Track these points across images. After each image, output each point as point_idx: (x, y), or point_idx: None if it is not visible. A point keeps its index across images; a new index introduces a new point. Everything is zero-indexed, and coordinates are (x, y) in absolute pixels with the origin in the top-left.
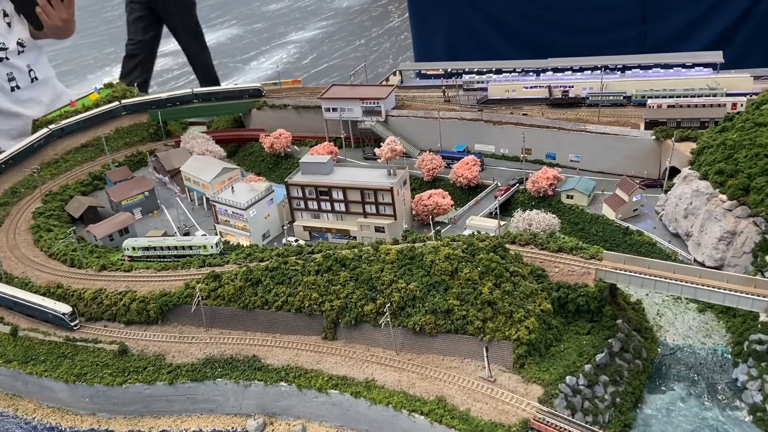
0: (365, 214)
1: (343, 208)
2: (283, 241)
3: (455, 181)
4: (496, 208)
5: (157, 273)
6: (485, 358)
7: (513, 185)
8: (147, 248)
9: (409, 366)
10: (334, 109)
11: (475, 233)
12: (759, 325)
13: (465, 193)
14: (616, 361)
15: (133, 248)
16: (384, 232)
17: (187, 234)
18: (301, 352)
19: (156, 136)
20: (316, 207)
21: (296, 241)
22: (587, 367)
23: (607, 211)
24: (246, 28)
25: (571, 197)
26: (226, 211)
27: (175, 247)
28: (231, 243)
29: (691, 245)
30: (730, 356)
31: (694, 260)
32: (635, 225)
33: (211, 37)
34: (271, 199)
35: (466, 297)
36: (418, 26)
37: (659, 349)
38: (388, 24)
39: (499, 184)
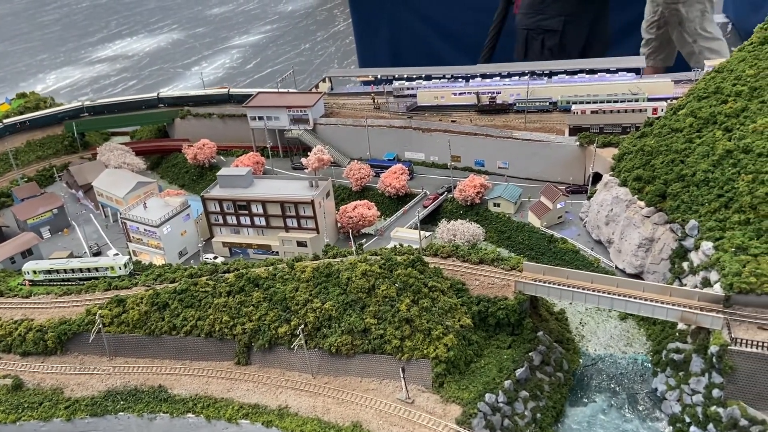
0: (287, 228)
1: (263, 223)
2: (201, 258)
3: (383, 190)
4: (417, 221)
5: (57, 298)
6: (402, 379)
7: (441, 194)
8: (49, 271)
9: (325, 390)
10: (260, 118)
11: (397, 246)
12: (677, 333)
13: (394, 202)
14: (537, 375)
15: (34, 272)
16: (306, 246)
17: (98, 254)
18: (211, 379)
19: (72, 148)
20: (235, 222)
21: (215, 258)
22: (507, 383)
23: (533, 219)
24: (188, 33)
25: (498, 205)
26: (138, 228)
27: (80, 270)
28: (143, 263)
29: (612, 252)
30: (650, 365)
31: (616, 267)
32: (560, 232)
33: (151, 42)
34: (188, 214)
35: (384, 315)
36: (361, 31)
37: (581, 360)
38: (334, 28)
39: (428, 193)
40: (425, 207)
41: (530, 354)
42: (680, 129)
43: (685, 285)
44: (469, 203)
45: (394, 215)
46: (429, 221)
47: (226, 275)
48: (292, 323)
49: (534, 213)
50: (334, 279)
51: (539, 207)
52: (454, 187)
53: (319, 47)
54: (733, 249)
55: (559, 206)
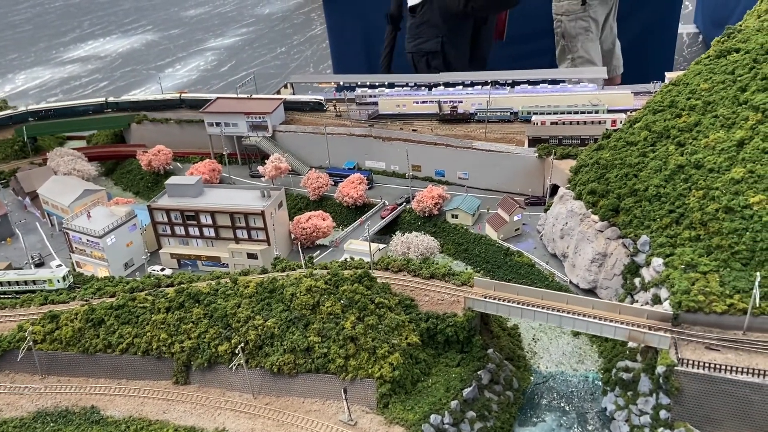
0: (237, 240)
1: (212, 234)
2: (147, 270)
3: (341, 200)
4: (367, 234)
5: None
6: (344, 401)
7: (400, 204)
8: None
9: (265, 412)
10: (218, 124)
11: (347, 260)
12: (627, 351)
13: (352, 212)
14: (485, 395)
15: None
16: (257, 258)
17: (40, 264)
18: (147, 400)
19: (22, 153)
20: (183, 233)
21: (162, 270)
22: (453, 403)
23: (490, 231)
24: (162, 34)
25: (456, 217)
26: (81, 239)
27: (16, 282)
28: (85, 275)
29: (567, 266)
30: (600, 384)
31: (570, 282)
32: (516, 245)
33: (124, 43)
34: (134, 224)
35: (328, 333)
36: (335, 37)
37: (532, 378)
38: (311, 32)
39: (387, 203)
40: (383, 218)
41: (479, 372)
42: (635, 142)
43: (637, 301)
44: (427, 214)
45: (350, 226)
46: (388, 232)
47: (167, 290)
48: (233, 341)
49: (491, 225)
50: (278, 295)
51: (496, 219)
52: (413, 198)
53: (295, 51)
54: (682, 266)
55: (515, 219)
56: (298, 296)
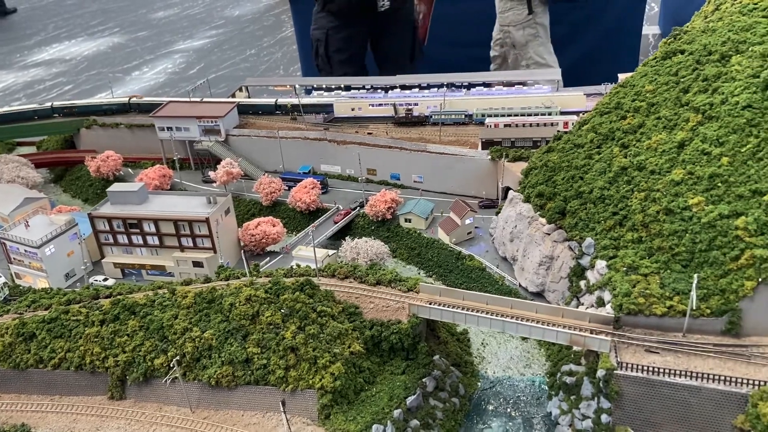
0: (182, 248)
1: (156, 242)
2: (86, 281)
3: (294, 205)
4: (311, 239)
5: None
6: (282, 413)
7: (354, 209)
8: None
9: (203, 426)
10: (169, 128)
11: (294, 267)
12: (572, 355)
13: (305, 218)
14: (430, 402)
15: None
16: (203, 267)
17: None
18: (79, 416)
19: None
20: (126, 241)
21: (105, 280)
22: (396, 412)
23: (442, 235)
24: (129, 37)
25: (410, 221)
26: (18, 249)
27: None
28: (22, 287)
29: (516, 270)
30: (546, 388)
31: (519, 285)
32: (469, 249)
33: (90, 46)
34: (75, 233)
35: (268, 343)
36: (304, 39)
37: (479, 384)
38: (281, 34)
39: (341, 208)
40: (335, 223)
41: (424, 380)
42: (582, 145)
43: (583, 304)
44: (380, 219)
45: (302, 232)
46: (342, 237)
47: (101, 302)
48: (169, 354)
49: (443, 229)
50: (216, 305)
51: (448, 223)
52: (367, 202)
53: (265, 53)
54: (624, 268)
55: (467, 222)
56: (237, 306)
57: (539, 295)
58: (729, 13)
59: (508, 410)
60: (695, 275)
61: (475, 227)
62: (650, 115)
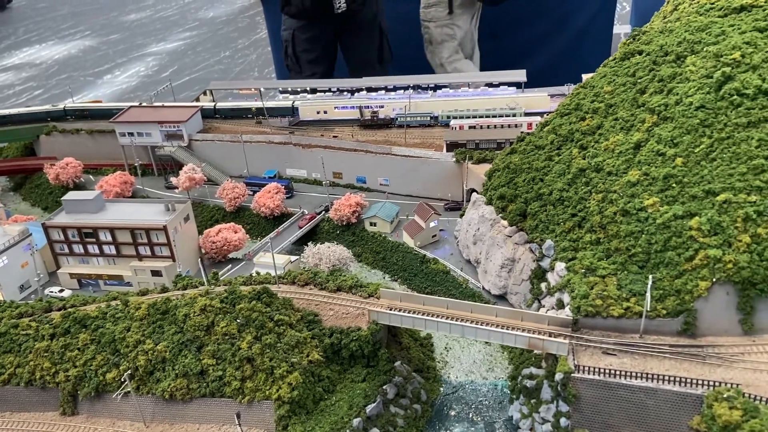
0: (139, 257)
1: (113, 251)
2: (45, 292)
3: (258, 210)
4: (269, 245)
5: None
6: (238, 426)
7: (319, 213)
8: None
9: None
10: (130, 134)
11: (254, 274)
12: (533, 358)
13: (270, 223)
14: (391, 410)
15: None
16: (162, 276)
17: None
18: None
19: None
20: (82, 251)
21: (61, 291)
22: (356, 421)
23: (407, 239)
24: (101, 40)
25: (375, 224)
26: None
27: None
28: None
29: (480, 273)
30: (508, 391)
31: (483, 288)
32: (433, 252)
33: (61, 49)
34: (29, 243)
35: (223, 354)
36: (277, 41)
37: (442, 389)
38: (256, 35)
39: (306, 212)
40: (300, 228)
41: (384, 387)
42: (543, 146)
43: (544, 306)
44: (345, 223)
45: (266, 238)
46: (307, 242)
47: (52, 315)
48: (122, 368)
49: (407, 232)
50: (170, 316)
51: (413, 226)
52: (332, 206)
53: (239, 55)
54: (582, 270)
55: (431, 225)
56: (191, 317)
57: (502, 297)
58: (686, 13)
59: (470, 415)
60: (650, 276)
61: (440, 230)
62: (608, 116)
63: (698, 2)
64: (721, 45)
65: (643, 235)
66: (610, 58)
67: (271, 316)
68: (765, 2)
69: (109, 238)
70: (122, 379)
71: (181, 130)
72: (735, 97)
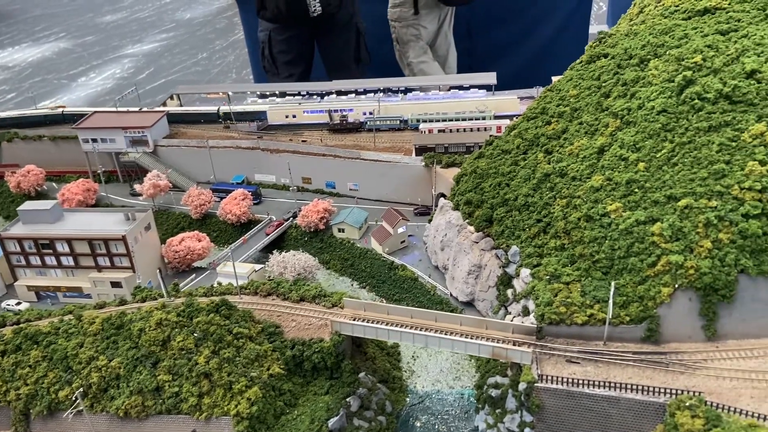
0: (99, 268)
1: (71, 263)
2: (2, 305)
3: (224, 217)
4: (230, 254)
5: None
6: None
7: (287, 219)
8: None
9: None
10: (94, 140)
11: (215, 285)
12: (498, 366)
13: (237, 230)
14: (354, 423)
15: None
16: (122, 287)
17: None
18: None
19: None
20: (40, 263)
21: (18, 304)
22: None
23: (375, 245)
24: (76, 42)
25: (343, 231)
26: None
27: None
28: None
29: (447, 279)
30: (475, 401)
31: (450, 295)
32: (402, 258)
33: (34, 52)
34: None
35: (180, 370)
36: (254, 43)
37: (408, 399)
38: (234, 37)
39: (274, 219)
40: (267, 235)
41: (348, 399)
42: (509, 150)
43: (511, 313)
44: (313, 229)
45: (231, 246)
46: (275, 250)
47: (3, 331)
48: (74, 385)
49: (376, 239)
50: (125, 331)
51: (381, 232)
52: (300, 212)
53: (217, 56)
54: (547, 276)
55: (400, 231)
56: (146, 332)
57: (470, 304)
58: (651, 16)
59: (436, 426)
60: (612, 283)
61: (409, 235)
62: (573, 121)
63: (663, 5)
64: (683, 48)
65: (607, 241)
66: (577, 61)
67: (230, 329)
68: (728, 5)
69: (67, 249)
70: (74, 397)
71: (146, 135)
72: (696, 101)
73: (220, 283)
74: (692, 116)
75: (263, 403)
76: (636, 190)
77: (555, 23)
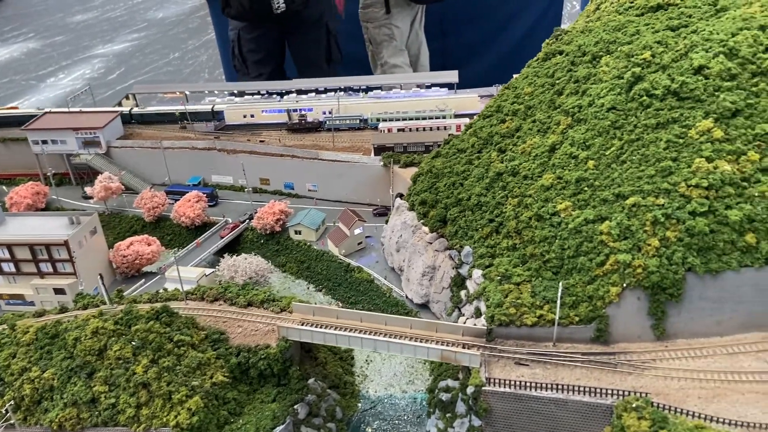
0: (41, 274)
1: (12, 269)
2: None
3: (178, 220)
4: (174, 259)
5: None
6: None
7: (243, 221)
8: None
9: None
10: (44, 142)
11: (161, 291)
12: (450, 370)
13: (192, 233)
14: (302, 430)
15: None
16: (66, 294)
17: None
18: None
19: None
20: None
21: None
22: None
23: (332, 247)
24: (45, 42)
25: (299, 233)
26: None
27: None
28: None
29: (403, 281)
30: (427, 404)
31: (406, 297)
32: (359, 260)
33: (2, 52)
34: None
35: (117, 380)
36: (225, 43)
37: (359, 405)
38: (207, 36)
39: (230, 221)
40: (222, 237)
41: (295, 407)
42: (464, 149)
43: (464, 315)
44: (269, 232)
45: (183, 249)
46: (232, 253)
47: None
48: (6, 397)
49: (332, 240)
50: (60, 341)
51: (337, 234)
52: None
53: (189, 56)
54: (498, 277)
55: (357, 232)
56: (82, 341)
57: (425, 306)
58: (607, 12)
59: (388, 431)
60: (560, 283)
61: (367, 237)
62: (527, 119)
63: (618, 1)
64: (633, 45)
65: (557, 241)
66: (534, 58)
67: (171, 337)
68: (681, 1)
69: (8, 255)
70: (4, 410)
71: (98, 136)
72: (645, 98)
73: (166, 289)
74: (641, 113)
75: (205, 413)
76: (585, 188)
77: (527, 22)
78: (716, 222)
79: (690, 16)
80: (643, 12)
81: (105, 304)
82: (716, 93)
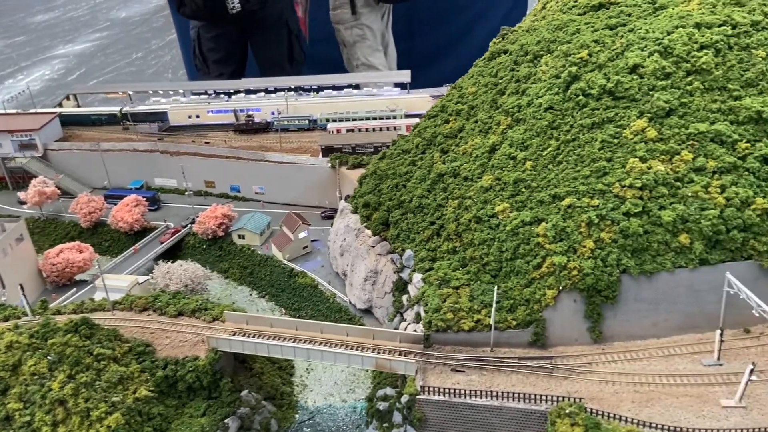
0: None
1: None
2: None
3: (116, 226)
4: (98, 266)
5: None
6: None
7: (185, 226)
8: None
9: None
10: None
11: (85, 301)
12: (389, 378)
13: (131, 239)
14: None
15: None
16: None
17: None
18: None
19: None
20: None
21: None
22: None
23: (276, 251)
24: (5, 42)
25: (243, 237)
26: None
27: None
28: None
29: (347, 286)
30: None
31: (350, 302)
32: (303, 265)
33: None
34: None
35: (32, 397)
36: (186, 43)
37: (297, 416)
38: (170, 36)
39: (171, 226)
40: (162, 243)
41: (226, 421)
42: (409, 150)
43: (406, 320)
44: (211, 236)
45: (119, 257)
46: (170, 259)
47: None
48: None
49: (276, 245)
50: None
51: (281, 238)
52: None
53: (152, 56)
54: (437, 281)
55: (301, 236)
56: None
57: (368, 311)
58: (552, 11)
59: None
60: (495, 287)
61: (314, 240)
62: (470, 119)
63: (563, 0)
64: (572, 44)
65: (495, 243)
66: (481, 58)
67: (90, 350)
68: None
69: None
70: None
71: (34, 139)
72: (581, 97)
73: (92, 299)
74: (577, 113)
75: (126, 430)
76: (523, 189)
77: (492, 23)
78: (650, 223)
79: (629, 15)
80: (585, 11)
81: (27, 315)
82: (651, 92)
